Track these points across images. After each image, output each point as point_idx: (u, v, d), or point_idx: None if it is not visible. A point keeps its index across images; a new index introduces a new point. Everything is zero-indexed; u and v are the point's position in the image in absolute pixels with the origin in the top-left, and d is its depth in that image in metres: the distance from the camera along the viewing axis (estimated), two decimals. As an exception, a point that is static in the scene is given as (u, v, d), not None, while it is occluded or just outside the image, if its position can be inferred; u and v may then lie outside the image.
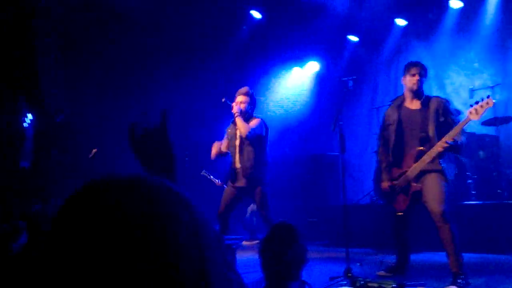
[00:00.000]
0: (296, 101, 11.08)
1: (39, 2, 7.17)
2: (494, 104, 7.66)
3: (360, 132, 10.23)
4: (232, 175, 5.82)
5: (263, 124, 5.88)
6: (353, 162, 10.09)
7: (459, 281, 4.14)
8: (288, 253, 2.01)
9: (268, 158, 5.96)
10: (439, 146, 4.38)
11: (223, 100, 5.99)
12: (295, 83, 11.22)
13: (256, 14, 10.00)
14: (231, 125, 5.99)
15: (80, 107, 8.51)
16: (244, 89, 5.97)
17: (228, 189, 5.88)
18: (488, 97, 4.31)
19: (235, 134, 5.87)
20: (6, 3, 6.60)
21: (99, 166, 7.65)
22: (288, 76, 11.21)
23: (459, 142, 4.35)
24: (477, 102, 4.31)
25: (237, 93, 5.94)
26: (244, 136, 5.66)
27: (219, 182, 7.36)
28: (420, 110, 4.71)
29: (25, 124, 7.01)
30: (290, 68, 11.10)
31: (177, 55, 9.72)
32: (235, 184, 5.79)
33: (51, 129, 7.41)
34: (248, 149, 5.72)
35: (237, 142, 5.83)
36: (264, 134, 5.85)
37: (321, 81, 10.88)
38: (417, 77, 4.72)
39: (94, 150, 7.63)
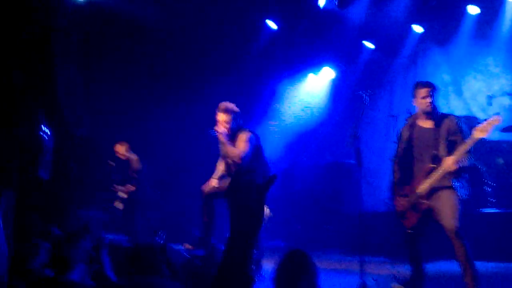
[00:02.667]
0: (312, 108, 11.07)
1: (60, 18, 7.32)
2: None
3: (377, 139, 10.18)
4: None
5: (252, 140, 5.52)
6: (371, 168, 10.05)
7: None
8: (302, 282, 2.03)
9: (268, 166, 5.74)
10: (447, 166, 4.39)
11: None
12: (311, 90, 11.21)
13: (271, 24, 10.04)
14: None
15: (100, 121, 8.64)
16: (223, 105, 5.56)
17: None
18: (497, 114, 4.29)
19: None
20: (28, 19, 6.75)
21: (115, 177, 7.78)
22: (303, 83, 11.22)
23: (461, 165, 4.34)
24: (485, 120, 4.30)
25: (217, 110, 5.56)
26: (238, 162, 5.39)
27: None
28: (433, 129, 4.69)
29: (44, 136, 7.15)
30: (305, 75, 11.10)
31: (195, 67, 9.81)
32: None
33: (70, 142, 7.53)
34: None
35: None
36: (255, 150, 5.54)
37: (337, 88, 10.86)
38: (428, 100, 4.68)
39: (111, 163, 7.74)
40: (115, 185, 7.99)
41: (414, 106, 4.89)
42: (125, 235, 7.40)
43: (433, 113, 4.73)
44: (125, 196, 7.96)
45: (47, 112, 7.18)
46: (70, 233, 3.00)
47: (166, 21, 8.88)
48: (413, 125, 4.85)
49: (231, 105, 5.61)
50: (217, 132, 5.51)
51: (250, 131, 5.62)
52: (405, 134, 4.87)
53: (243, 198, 1.22)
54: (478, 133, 4.23)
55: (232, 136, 5.50)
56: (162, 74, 9.56)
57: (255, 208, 1.14)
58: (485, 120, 4.30)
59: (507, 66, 8.74)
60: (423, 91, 4.70)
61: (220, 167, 5.83)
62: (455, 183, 4.49)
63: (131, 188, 7.98)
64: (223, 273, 1.09)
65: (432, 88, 4.73)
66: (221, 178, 5.75)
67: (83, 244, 2.83)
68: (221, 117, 5.53)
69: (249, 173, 5.46)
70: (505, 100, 8.07)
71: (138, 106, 9.15)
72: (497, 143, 7.63)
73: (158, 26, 8.88)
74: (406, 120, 5.11)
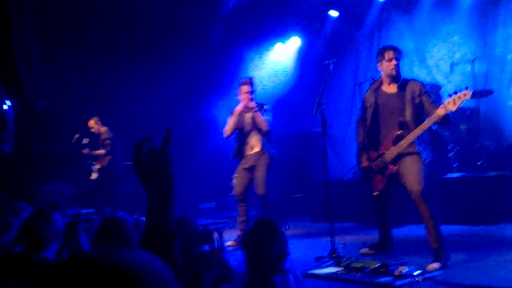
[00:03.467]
0: (279, 77, 11.09)
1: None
2: (475, 76, 7.83)
3: (343, 108, 10.30)
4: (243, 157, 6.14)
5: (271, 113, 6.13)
6: (338, 137, 10.18)
7: (440, 257, 4.26)
8: (270, 249, 2.07)
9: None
10: (415, 134, 4.48)
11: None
12: (278, 58, 11.20)
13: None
14: (242, 115, 6.07)
15: (62, 94, 8.44)
16: (247, 79, 6.14)
17: (240, 172, 6.18)
18: (466, 88, 4.34)
19: (248, 122, 6.07)
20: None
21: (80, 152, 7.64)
22: (271, 52, 11.18)
23: (448, 112, 4.37)
24: (455, 93, 4.33)
25: (241, 84, 6.06)
26: (264, 130, 5.97)
27: None
28: (397, 94, 4.74)
29: (5, 107, 6.95)
30: (273, 44, 11.07)
31: (158, 36, 9.64)
32: (245, 166, 6.12)
33: (30, 115, 7.35)
34: (259, 136, 6.07)
35: (249, 128, 6.08)
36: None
37: (304, 57, 10.88)
38: (394, 62, 4.72)
39: (76, 136, 7.60)
40: (87, 148, 7.84)
41: (379, 71, 4.92)
42: (102, 207, 7.35)
43: (397, 78, 4.79)
44: (97, 166, 7.88)
45: (6, 83, 6.98)
46: (41, 209, 2.94)
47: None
48: (377, 90, 4.89)
49: (253, 78, 6.21)
50: (246, 102, 5.96)
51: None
52: (370, 99, 4.91)
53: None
54: (449, 105, 4.29)
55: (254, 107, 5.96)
56: (125, 43, 9.36)
57: (163, 168, 1.17)
58: (455, 93, 4.33)
59: (468, 34, 8.87)
60: (388, 54, 4.74)
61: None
62: (419, 147, 4.59)
63: (102, 151, 7.90)
64: (147, 232, 1.15)
65: (397, 52, 4.77)
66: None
67: (55, 220, 2.79)
68: (247, 88, 6.00)
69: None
70: (467, 67, 8.23)
71: (102, 78, 8.97)
72: (460, 109, 7.79)
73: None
74: (370, 85, 5.16)
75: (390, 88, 4.81)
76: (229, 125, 6.15)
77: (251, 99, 6.01)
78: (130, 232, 2.85)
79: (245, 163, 6.17)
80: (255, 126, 6.05)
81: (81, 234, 2.74)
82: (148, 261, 0.79)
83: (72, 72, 8.64)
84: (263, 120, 5.96)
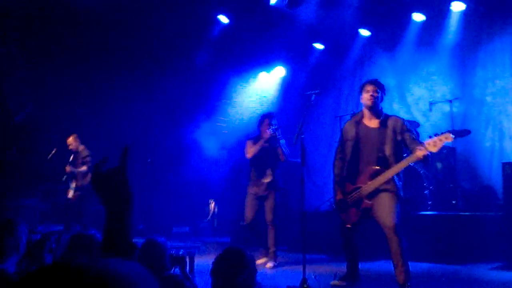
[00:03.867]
0: (262, 105, 11.16)
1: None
2: (453, 115, 7.97)
3: (323, 139, 10.38)
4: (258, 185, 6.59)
5: None
6: (316, 168, 10.24)
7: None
8: (238, 277, 2.06)
9: None
10: (393, 171, 4.52)
11: None
12: (262, 87, 11.30)
13: (223, 19, 10.01)
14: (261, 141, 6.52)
15: (43, 108, 8.37)
16: (270, 113, 6.72)
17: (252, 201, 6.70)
18: (448, 131, 4.39)
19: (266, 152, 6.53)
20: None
21: (58, 166, 7.54)
22: (255, 81, 11.28)
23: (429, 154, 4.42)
24: (436, 134, 4.37)
25: (266, 117, 6.58)
26: (283, 160, 6.57)
27: None
28: (378, 128, 4.78)
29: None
30: (257, 73, 11.18)
31: (143, 58, 9.66)
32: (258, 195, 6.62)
33: (9, 127, 7.26)
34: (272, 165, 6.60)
35: (265, 156, 6.55)
36: None
37: (288, 86, 11.00)
38: (371, 93, 4.76)
39: (53, 151, 7.50)
40: (71, 166, 7.72)
41: (361, 105, 4.98)
42: (73, 225, 7.23)
43: (378, 111, 4.83)
44: (74, 185, 7.72)
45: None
46: (5, 220, 2.87)
47: (116, 9, 8.68)
48: (359, 123, 4.92)
49: (273, 112, 6.80)
50: (266, 134, 6.40)
51: None
52: (351, 132, 4.93)
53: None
54: (430, 147, 4.32)
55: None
56: (111, 62, 9.36)
57: (122, 185, 1.20)
58: (436, 135, 4.36)
59: (448, 74, 9.08)
60: (368, 86, 4.81)
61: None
62: (399, 183, 4.63)
63: (83, 168, 7.78)
64: (105, 248, 1.16)
65: (378, 86, 4.83)
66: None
67: (18, 233, 2.73)
68: (267, 121, 6.51)
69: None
70: (446, 107, 8.39)
71: (85, 96, 8.93)
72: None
73: (107, 15, 8.67)
74: (351, 116, 5.20)
75: (372, 123, 4.84)
76: (253, 149, 6.60)
77: (269, 131, 6.42)
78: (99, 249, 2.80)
79: (257, 192, 6.64)
80: (272, 157, 6.54)
81: (46, 254, 2.69)
82: (138, 271, 0.77)
83: (55, 87, 8.59)
84: (283, 152, 6.47)
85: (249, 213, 6.74)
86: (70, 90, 8.76)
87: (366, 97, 4.78)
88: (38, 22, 8.27)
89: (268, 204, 6.68)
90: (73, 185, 7.77)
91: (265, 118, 6.61)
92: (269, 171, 6.61)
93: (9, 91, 7.55)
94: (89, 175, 7.79)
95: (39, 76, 8.49)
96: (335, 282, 4.95)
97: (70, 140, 8.03)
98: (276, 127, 6.41)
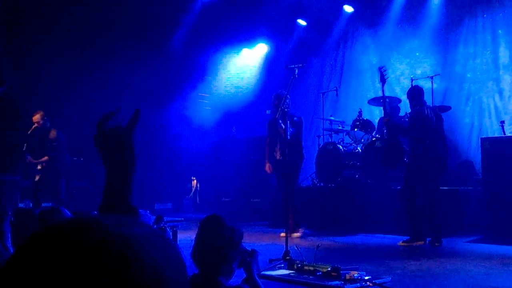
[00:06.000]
0: (245, 82, 11.13)
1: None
2: (434, 92, 8.04)
3: (305, 116, 10.37)
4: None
5: None
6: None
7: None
8: (215, 243, 2.06)
9: None
10: None
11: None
12: (245, 63, 11.25)
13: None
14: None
15: (25, 83, 8.20)
16: (276, 94, 6.55)
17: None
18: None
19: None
20: None
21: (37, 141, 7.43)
22: (237, 57, 11.22)
23: None
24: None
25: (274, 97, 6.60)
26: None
27: None
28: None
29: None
30: (240, 49, 11.10)
31: (125, 35, 9.51)
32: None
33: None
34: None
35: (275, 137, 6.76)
36: None
37: (270, 63, 10.97)
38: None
39: (34, 126, 7.31)
40: (28, 157, 7.42)
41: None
42: (40, 202, 7.15)
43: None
44: (39, 167, 7.47)
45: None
46: None
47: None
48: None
49: (281, 92, 6.49)
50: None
51: None
52: None
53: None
54: None
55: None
56: (91, 41, 9.20)
57: (127, 145, 1.16)
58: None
59: (430, 50, 9.13)
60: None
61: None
62: None
63: (45, 158, 7.47)
64: (105, 208, 1.12)
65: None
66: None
67: None
68: (274, 101, 6.49)
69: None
70: (427, 83, 8.45)
71: (63, 71, 8.79)
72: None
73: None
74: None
75: None
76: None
77: (276, 111, 6.26)
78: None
79: (276, 168, 6.88)
80: (281, 135, 6.52)
81: (6, 227, 2.68)
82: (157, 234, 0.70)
83: (36, 62, 8.44)
84: (283, 129, 6.30)
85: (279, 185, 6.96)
86: (51, 65, 8.59)
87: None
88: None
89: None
90: (38, 167, 7.45)
91: (274, 98, 6.63)
92: (277, 149, 6.81)
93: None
94: (46, 157, 7.43)
95: (19, 51, 8.32)
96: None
97: (37, 117, 7.35)
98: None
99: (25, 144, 7.34)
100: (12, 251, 2.92)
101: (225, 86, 11.09)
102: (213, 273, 2.05)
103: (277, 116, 5.15)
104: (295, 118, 6.52)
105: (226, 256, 2.08)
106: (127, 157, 1.18)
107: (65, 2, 8.65)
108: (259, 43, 11.03)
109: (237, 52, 11.19)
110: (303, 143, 6.77)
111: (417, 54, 9.30)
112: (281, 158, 6.52)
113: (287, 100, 5.65)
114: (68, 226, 0.65)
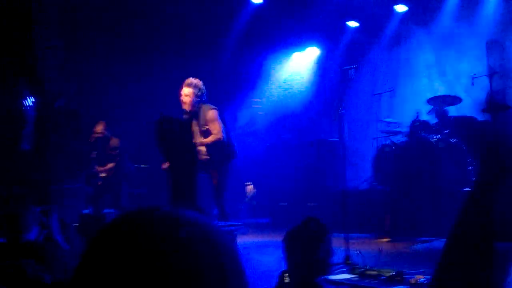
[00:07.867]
0: (297, 86, 11.10)
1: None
2: (492, 91, 7.75)
3: (361, 118, 10.24)
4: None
5: (220, 115, 5.76)
6: (354, 148, 10.13)
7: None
8: (319, 250, 2.01)
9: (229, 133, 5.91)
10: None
11: None
12: (296, 68, 11.23)
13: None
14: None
15: (82, 93, 8.50)
16: (187, 80, 5.87)
17: None
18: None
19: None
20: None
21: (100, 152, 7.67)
22: (288, 62, 11.21)
23: None
24: None
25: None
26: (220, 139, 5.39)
27: None
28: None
29: (26, 107, 7.04)
30: (291, 53, 11.10)
31: (177, 42, 9.69)
32: None
33: (50, 113, 7.41)
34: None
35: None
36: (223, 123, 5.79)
37: (322, 66, 10.90)
38: None
39: (95, 134, 7.59)
40: (95, 166, 7.73)
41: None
42: (101, 208, 7.38)
43: None
44: (104, 175, 7.74)
45: (28, 82, 7.07)
46: (16, 193, 2.94)
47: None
48: None
49: (195, 80, 5.83)
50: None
51: (213, 107, 5.74)
52: None
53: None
54: None
55: (194, 110, 5.58)
56: (145, 49, 9.43)
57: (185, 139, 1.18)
58: None
59: (488, 48, 8.81)
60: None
61: None
62: None
63: (110, 165, 7.76)
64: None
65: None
66: None
67: (31, 205, 2.81)
68: (184, 91, 5.77)
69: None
70: (485, 82, 8.17)
71: (120, 79, 9.04)
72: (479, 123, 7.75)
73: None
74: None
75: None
76: None
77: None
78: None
79: None
80: None
81: (54, 222, 2.78)
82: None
83: (94, 73, 8.72)
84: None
85: None
86: (108, 77, 8.86)
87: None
88: (77, 6, 8.40)
89: None
90: (103, 175, 7.70)
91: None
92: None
93: (48, 77, 7.70)
94: (112, 164, 7.69)
95: (77, 62, 8.62)
96: None
97: (100, 128, 7.68)
98: None
99: (95, 153, 7.62)
100: (61, 243, 3.03)
101: (278, 91, 11.10)
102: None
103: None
104: None
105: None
106: (187, 155, 1.20)
107: (122, 11, 8.89)
108: (309, 46, 10.98)
109: (288, 56, 11.20)
110: None
111: (476, 52, 9.01)
112: None
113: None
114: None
